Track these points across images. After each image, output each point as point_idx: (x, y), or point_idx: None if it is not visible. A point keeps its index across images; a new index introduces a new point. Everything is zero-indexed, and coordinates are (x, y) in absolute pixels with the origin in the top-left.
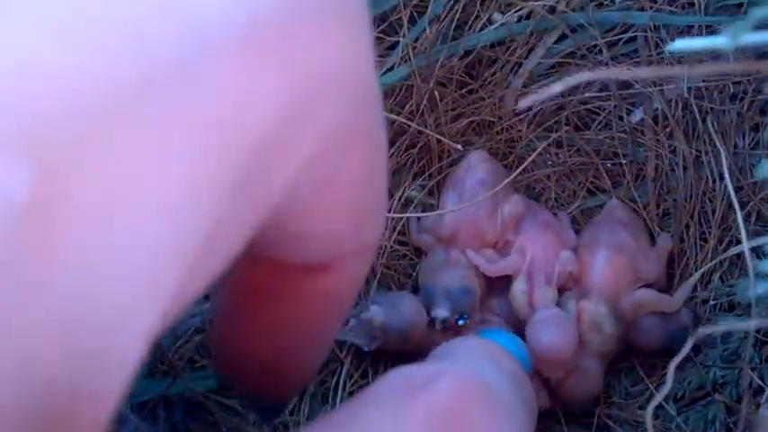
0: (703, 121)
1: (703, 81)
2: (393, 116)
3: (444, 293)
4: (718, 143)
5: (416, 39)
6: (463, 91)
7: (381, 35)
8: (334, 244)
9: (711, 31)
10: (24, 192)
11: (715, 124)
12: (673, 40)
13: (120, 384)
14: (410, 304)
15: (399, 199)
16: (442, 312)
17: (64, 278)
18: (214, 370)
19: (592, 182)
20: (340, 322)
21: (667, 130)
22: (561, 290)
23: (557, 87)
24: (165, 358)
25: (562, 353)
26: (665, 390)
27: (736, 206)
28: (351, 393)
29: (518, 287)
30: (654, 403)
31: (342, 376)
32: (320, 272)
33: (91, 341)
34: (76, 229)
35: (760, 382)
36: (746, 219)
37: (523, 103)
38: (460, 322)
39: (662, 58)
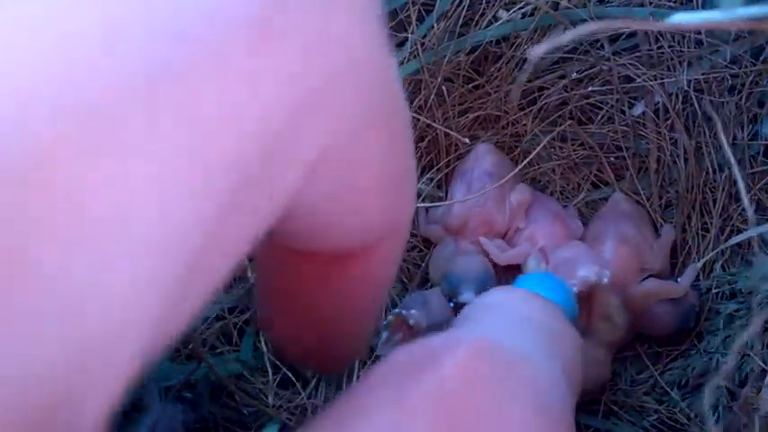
0: (703, 113)
1: (702, 74)
2: None
3: (468, 278)
4: (718, 134)
5: (425, 35)
6: (470, 86)
7: (391, 32)
8: (364, 230)
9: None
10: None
11: (714, 116)
12: (672, 36)
13: (113, 390)
14: (440, 301)
15: None
16: (468, 296)
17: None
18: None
19: (596, 174)
20: (380, 302)
21: (668, 122)
22: None
23: (567, 36)
24: (188, 343)
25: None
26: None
27: (742, 188)
28: None
29: (531, 264)
30: (713, 384)
31: (356, 361)
32: (353, 258)
33: (86, 351)
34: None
35: (762, 365)
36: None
37: (536, 52)
38: None
39: (662, 53)
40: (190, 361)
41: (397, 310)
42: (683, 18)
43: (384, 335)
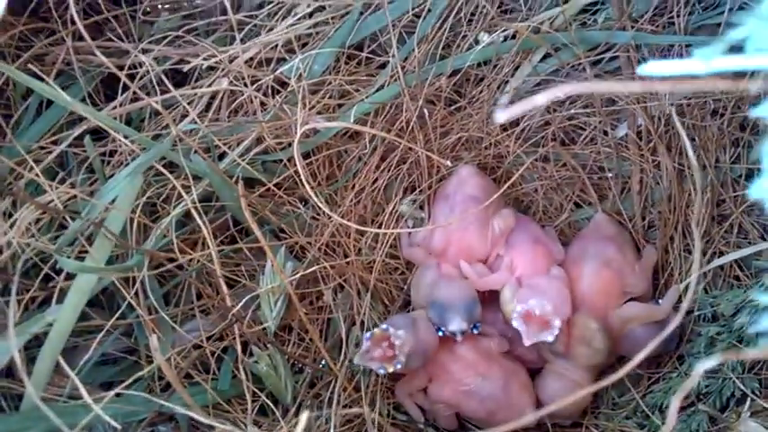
0: (687, 135)
1: (685, 98)
2: (383, 134)
3: (455, 306)
4: (700, 157)
5: (405, 58)
6: (452, 108)
7: (371, 55)
8: None
9: (690, 52)
10: None
11: (696, 139)
12: (655, 58)
13: None
14: (427, 326)
15: (391, 213)
16: (460, 325)
17: None
18: None
19: (578, 195)
20: None
21: (651, 145)
22: None
23: (540, 99)
24: (162, 375)
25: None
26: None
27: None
28: (345, 406)
29: (507, 294)
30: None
31: (336, 389)
32: None
33: None
34: None
35: (743, 390)
36: (728, 231)
37: (500, 118)
38: (475, 331)
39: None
40: (165, 392)
41: (384, 326)
42: (657, 67)
43: (365, 345)
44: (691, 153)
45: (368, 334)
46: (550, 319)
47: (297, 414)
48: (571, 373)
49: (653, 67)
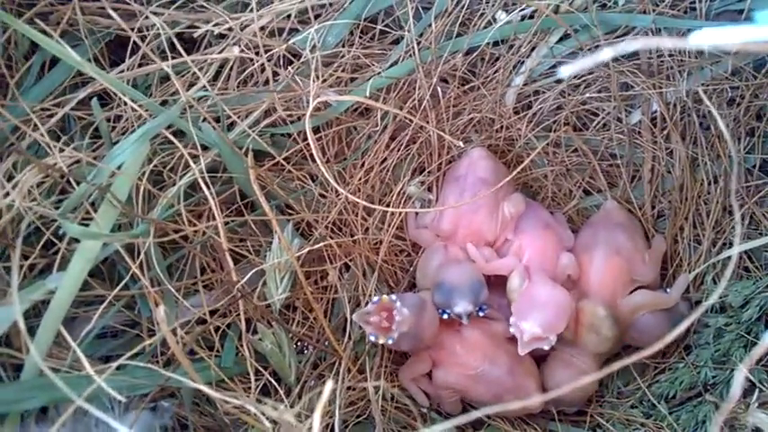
0: (700, 124)
1: (702, 85)
2: (397, 111)
3: (461, 289)
4: (715, 145)
5: (421, 34)
6: (465, 88)
7: (386, 29)
8: None
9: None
10: None
11: (712, 128)
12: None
13: None
14: (433, 314)
15: (399, 194)
16: (466, 307)
17: None
18: None
19: (588, 182)
20: None
21: (665, 132)
22: None
23: (607, 53)
24: (165, 350)
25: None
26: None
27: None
28: (349, 388)
29: (515, 282)
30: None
31: (341, 371)
32: None
33: None
34: None
35: (752, 380)
36: (740, 222)
37: (567, 70)
38: (481, 313)
39: (662, 61)
40: (167, 367)
41: (394, 297)
42: (707, 36)
43: (369, 307)
44: (721, 123)
45: (376, 298)
46: (544, 336)
47: (300, 395)
48: (578, 361)
49: (702, 36)
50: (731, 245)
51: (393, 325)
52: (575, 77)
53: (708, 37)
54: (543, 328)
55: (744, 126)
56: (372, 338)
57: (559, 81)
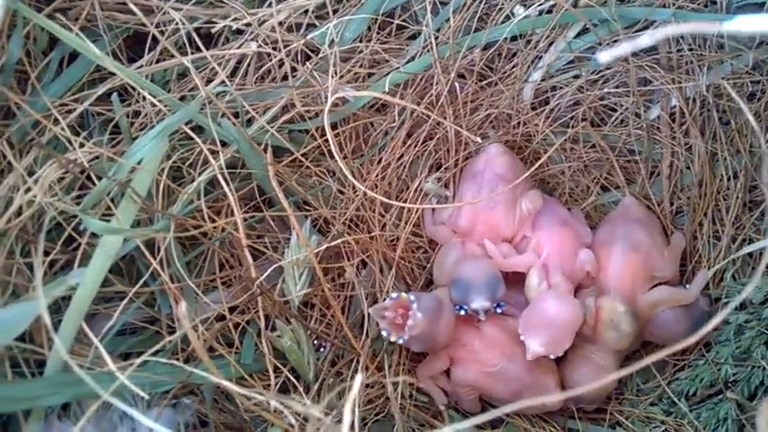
0: (720, 119)
1: (722, 79)
2: (415, 107)
3: (478, 285)
4: (735, 140)
5: (438, 29)
6: (483, 83)
7: (404, 24)
8: None
9: None
10: None
11: (732, 123)
12: (693, 38)
13: None
14: (449, 317)
15: (416, 190)
16: (483, 303)
17: None
18: None
19: (606, 178)
20: None
21: (684, 127)
22: (579, 288)
23: (645, 39)
24: (185, 347)
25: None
26: None
27: None
28: (368, 386)
29: (533, 280)
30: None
31: (359, 367)
32: None
33: None
34: None
35: None
36: (760, 218)
37: (605, 56)
38: (498, 310)
39: (681, 55)
40: (187, 364)
41: (412, 298)
42: (744, 23)
43: (386, 302)
44: (749, 115)
45: (395, 294)
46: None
47: (319, 392)
48: (598, 357)
49: (738, 23)
50: (751, 241)
51: (405, 325)
52: (592, 72)
53: (745, 24)
54: (546, 348)
55: (765, 120)
56: (385, 334)
57: (577, 77)
